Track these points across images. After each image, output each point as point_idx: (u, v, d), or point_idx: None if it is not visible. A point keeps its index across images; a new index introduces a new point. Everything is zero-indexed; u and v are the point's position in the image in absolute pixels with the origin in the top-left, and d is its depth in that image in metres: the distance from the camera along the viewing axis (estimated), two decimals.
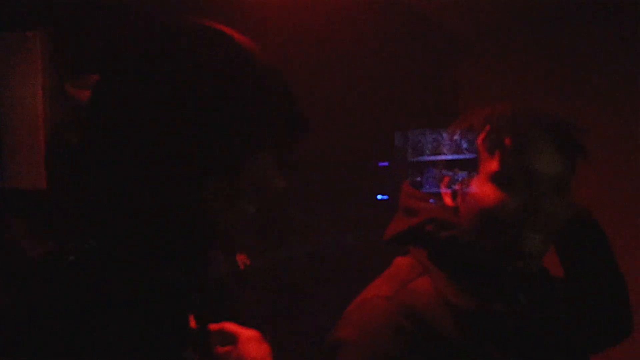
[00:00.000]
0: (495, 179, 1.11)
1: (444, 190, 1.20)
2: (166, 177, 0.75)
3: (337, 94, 3.02)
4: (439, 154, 1.23)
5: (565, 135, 1.13)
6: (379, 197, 2.94)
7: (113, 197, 0.77)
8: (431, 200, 1.22)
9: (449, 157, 1.20)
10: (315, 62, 2.91)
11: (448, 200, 1.18)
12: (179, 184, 0.76)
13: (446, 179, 1.19)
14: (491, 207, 1.10)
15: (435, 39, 3.22)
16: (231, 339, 1.03)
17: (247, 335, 1.04)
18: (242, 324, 1.71)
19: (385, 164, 3.32)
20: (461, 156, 1.18)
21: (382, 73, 3.12)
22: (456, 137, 1.19)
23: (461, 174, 1.18)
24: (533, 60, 3.14)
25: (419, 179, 1.24)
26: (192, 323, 0.92)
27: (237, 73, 0.78)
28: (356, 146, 3.13)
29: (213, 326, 1.00)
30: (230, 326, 1.04)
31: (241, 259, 2.24)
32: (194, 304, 0.86)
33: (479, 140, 1.14)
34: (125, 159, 0.75)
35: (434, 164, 1.23)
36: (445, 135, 1.22)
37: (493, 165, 1.12)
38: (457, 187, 1.18)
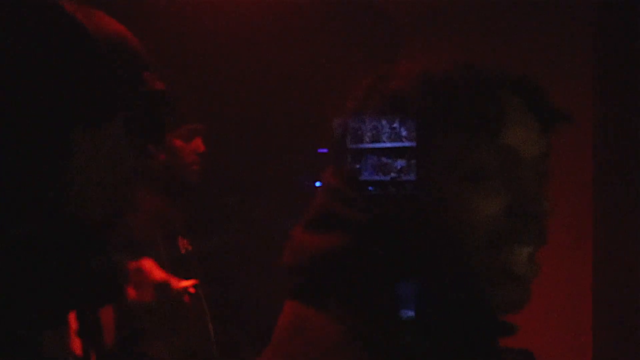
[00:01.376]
0: (460, 173, 0.78)
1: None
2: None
3: (277, 81, 2.99)
4: (378, 141, 0.87)
5: (545, 102, 0.84)
6: (318, 184, 2.96)
7: None
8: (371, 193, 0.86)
9: (388, 144, 0.87)
10: (255, 48, 2.88)
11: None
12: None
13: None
14: (461, 218, 0.77)
15: (376, 23, 3.22)
16: None
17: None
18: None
19: (325, 150, 3.32)
20: (401, 144, 0.85)
21: (323, 59, 3.11)
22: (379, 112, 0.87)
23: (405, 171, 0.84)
24: (476, 45, 3.17)
25: (357, 166, 0.90)
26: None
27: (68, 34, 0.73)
28: (295, 133, 3.11)
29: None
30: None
31: (183, 244, 2.22)
32: (79, 297, 0.77)
33: (417, 115, 0.81)
34: None
35: (374, 151, 0.88)
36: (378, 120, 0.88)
37: (451, 152, 0.78)
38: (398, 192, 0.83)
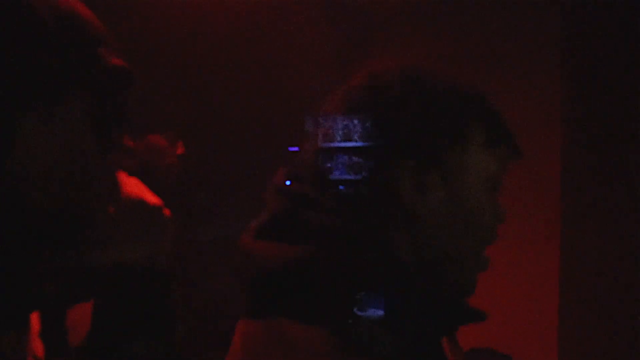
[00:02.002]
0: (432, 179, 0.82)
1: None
2: None
3: (246, 78, 2.97)
4: (350, 140, 0.85)
5: (501, 129, 0.89)
6: (288, 182, 2.97)
7: None
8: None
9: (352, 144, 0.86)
10: (224, 45, 2.85)
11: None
12: None
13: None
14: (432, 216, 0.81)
15: (347, 18, 3.21)
16: None
17: None
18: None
19: (296, 149, 3.32)
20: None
21: (293, 55, 3.10)
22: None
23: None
24: (447, 40, 3.17)
25: (329, 165, 0.88)
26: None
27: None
28: (265, 131, 3.09)
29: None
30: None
31: None
32: (43, 297, 0.72)
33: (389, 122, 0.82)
34: None
35: (345, 150, 0.85)
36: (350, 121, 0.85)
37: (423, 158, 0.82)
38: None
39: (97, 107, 0.74)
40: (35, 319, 0.86)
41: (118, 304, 0.78)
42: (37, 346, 0.85)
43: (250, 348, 0.78)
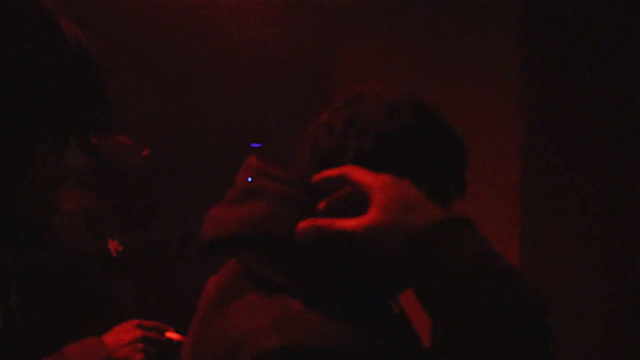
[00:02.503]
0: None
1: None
2: None
3: (211, 76, 2.96)
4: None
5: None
6: (250, 179, 3.02)
7: None
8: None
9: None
10: (188, 43, 2.84)
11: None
12: None
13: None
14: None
15: (310, 20, 3.21)
16: None
17: None
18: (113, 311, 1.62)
19: (258, 145, 3.30)
20: None
21: (257, 52, 3.09)
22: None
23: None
24: (409, 40, 3.18)
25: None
26: None
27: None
28: (228, 128, 3.09)
29: None
30: None
31: (113, 246, 2.17)
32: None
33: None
34: None
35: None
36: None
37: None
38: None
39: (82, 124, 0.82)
40: None
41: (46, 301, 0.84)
42: None
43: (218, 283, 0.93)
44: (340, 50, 3.39)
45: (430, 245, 0.78)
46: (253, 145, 3.18)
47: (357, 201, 0.83)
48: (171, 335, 1.77)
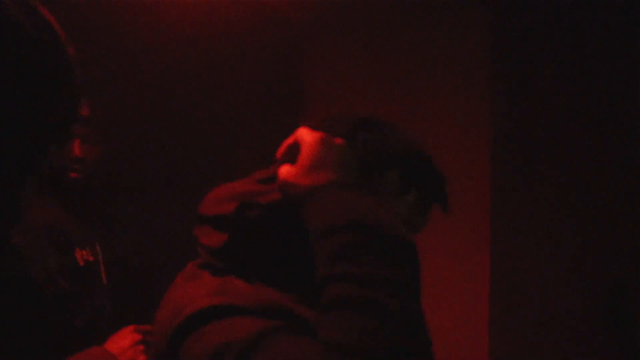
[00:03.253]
0: None
1: None
2: None
3: (182, 83, 2.95)
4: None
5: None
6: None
7: None
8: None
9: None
10: (163, 48, 2.82)
11: None
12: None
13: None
14: None
15: (280, 31, 3.22)
16: None
17: None
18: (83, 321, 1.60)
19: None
20: None
21: (228, 67, 3.09)
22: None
23: None
24: (377, 57, 3.21)
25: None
26: None
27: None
28: (199, 140, 3.07)
29: None
30: None
31: (81, 255, 2.14)
32: None
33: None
34: None
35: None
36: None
37: None
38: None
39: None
40: None
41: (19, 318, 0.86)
42: None
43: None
44: (311, 59, 3.40)
45: (308, 203, 0.93)
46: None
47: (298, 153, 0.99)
48: None
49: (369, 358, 0.76)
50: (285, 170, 0.98)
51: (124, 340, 1.76)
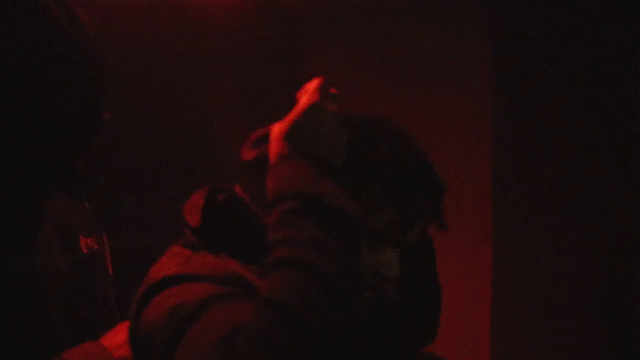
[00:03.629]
0: None
1: None
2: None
3: (180, 79, 2.94)
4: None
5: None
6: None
7: None
8: None
9: None
10: (160, 45, 2.81)
11: None
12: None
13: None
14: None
15: (282, 29, 3.22)
16: None
17: None
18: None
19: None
20: None
21: (230, 61, 3.08)
22: None
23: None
24: (378, 55, 3.20)
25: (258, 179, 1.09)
26: None
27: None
28: (197, 138, 3.06)
29: None
30: None
31: (85, 243, 2.12)
32: None
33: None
34: None
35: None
36: None
37: None
38: None
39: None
40: None
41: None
42: None
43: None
44: (312, 56, 3.40)
45: (269, 174, 0.99)
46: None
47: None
48: None
49: (289, 311, 0.83)
50: (276, 128, 1.02)
51: (119, 335, 1.76)
